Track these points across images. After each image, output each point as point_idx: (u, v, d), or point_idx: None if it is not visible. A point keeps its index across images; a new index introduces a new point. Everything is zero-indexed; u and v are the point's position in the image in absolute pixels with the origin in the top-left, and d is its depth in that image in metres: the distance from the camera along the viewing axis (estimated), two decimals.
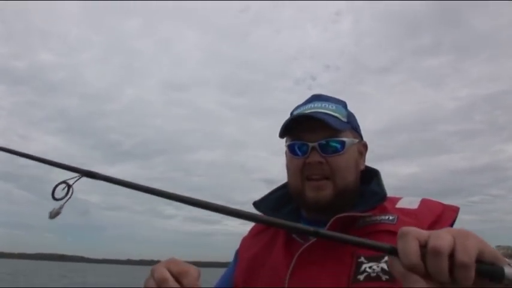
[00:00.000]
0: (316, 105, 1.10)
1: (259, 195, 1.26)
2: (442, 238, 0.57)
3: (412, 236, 0.57)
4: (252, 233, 1.21)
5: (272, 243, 1.11)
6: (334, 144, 1.03)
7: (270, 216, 1.09)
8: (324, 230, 0.69)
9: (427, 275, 0.57)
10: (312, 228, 0.71)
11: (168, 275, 0.75)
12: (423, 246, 0.57)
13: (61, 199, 0.76)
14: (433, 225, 0.76)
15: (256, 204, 1.14)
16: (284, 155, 1.13)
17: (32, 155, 0.89)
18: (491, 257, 0.58)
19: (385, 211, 1.00)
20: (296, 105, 1.17)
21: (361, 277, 0.92)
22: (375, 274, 0.91)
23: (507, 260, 0.60)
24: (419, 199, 1.03)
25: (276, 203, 1.15)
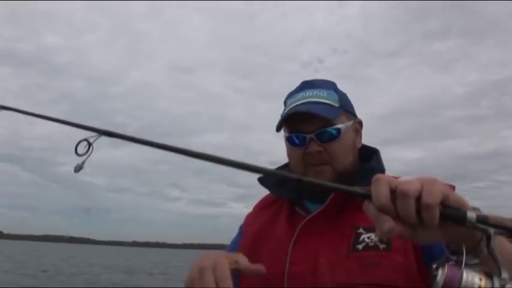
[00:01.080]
0: (308, 93, 1.14)
1: None
2: (410, 183, 0.64)
3: (384, 181, 0.64)
4: (256, 209, 1.27)
5: (275, 217, 1.17)
6: (330, 132, 1.08)
7: (275, 191, 1.19)
8: (306, 178, 0.78)
9: (397, 217, 0.63)
10: (296, 176, 0.81)
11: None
12: (394, 191, 0.64)
13: (83, 155, 0.85)
14: None
15: (261, 179, 1.20)
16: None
17: (51, 117, 0.97)
18: (455, 202, 0.64)
19: None
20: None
21: (360, 246, 0.98)
22: (372, 243, 0.97)
23: (473, 207, 0.66)
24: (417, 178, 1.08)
25: (280, 179, 1.20)
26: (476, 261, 0.67)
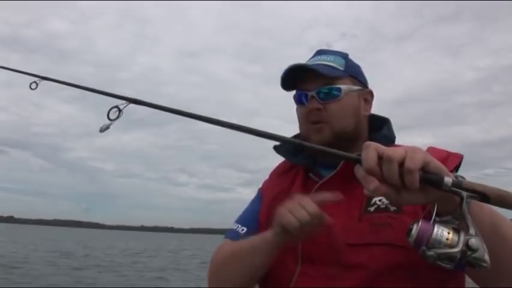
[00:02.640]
0: (317, 58, 1.20)
1: (271, 164, 1.35)
2: (395, 150, 0.73)
3: (372, 147, 0.74)
4: (273, 176, 1.33)
5: (291, 182, 1.22)
6: (330, 90, 1.12)
7: (290, 158, 1.25)
8: (307, 143, 0.92)
9: (383, 179, 0.73)
10: (297, 141, 0.95)
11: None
12: (381, 157, 0.74)
13: (114, 120, 0.95)
14: None
15: (276, 148, 1.25)
16: (296, 119, 1.24)
17: (85, 86, 1.07)
18: (435, 169, 0.74)
19: None
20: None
21: (372, 209, 1.03)
22: (384, 206, 1.01)
23: (457, 175, 0.78)
24: (427, 147, 1.11)
25: (294, 148, 1.24)
26: (448, 217, 0.78)
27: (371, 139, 1.16)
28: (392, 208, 1.01)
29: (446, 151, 1.11)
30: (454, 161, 1.07)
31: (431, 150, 1.10)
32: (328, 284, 1.01)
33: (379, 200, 1.03)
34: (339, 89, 1.13)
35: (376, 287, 0.97)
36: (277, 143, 1.23)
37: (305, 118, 1.16)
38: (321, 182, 1.13)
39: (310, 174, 1.20)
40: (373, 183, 0.73)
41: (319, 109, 1.13)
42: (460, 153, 1.09)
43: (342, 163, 1.08)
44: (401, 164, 0.72)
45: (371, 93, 1.23)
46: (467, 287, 1.06)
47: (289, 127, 1.31)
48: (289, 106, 1.27)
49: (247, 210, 1.29)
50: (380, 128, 1.21)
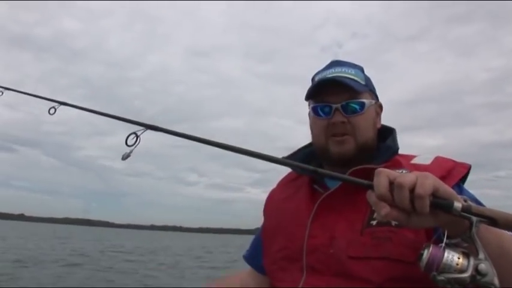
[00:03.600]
0: (336, 70, 1.21)
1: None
2: (406, 176, 0.76)
3: (384, 174, 0.77)
4: (280, 185, 1.37)
5: (297, 193, 1.25)
6: (355, 105, 1.15)
7: (297, 169, 1.28)
8: (321, 169, 0.94)
9: (394, 205, 0.76)
10: (311, 167, 0.96)
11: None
12: (392, 183, 0.77)
13: (132, 146, 0.99)
14: (442, 180, 0.83)
15: (286, 158, 1.26)
16: (307, 119, 1.26)
17: (97, 111, 1.11)
18: (445, 194, 0.77)
19: (399, 166, 1.11)
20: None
21: (374, 222, 1.05)
22: (385, 220, 1.00)
23: (464, 199, 0.79)
24: (434, 156, 1.14)
25: (303, 158, 1.27)
26: (457, 240, 0.80)
27: (378, 149, 1.20)
28: (394, 223, 1.02)
29: (453, 161, 1.12)
30: (460, 171, 1.09)
31: (439, 160, 1.12)
32: None
33: None
34: (363, 104, 1.16)
35: None
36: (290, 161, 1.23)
37: (325, 130, 1.17)
38: (325, 194, 1.14)
39: (316, 186, 1.21)
40: (384, 209, 0.76)
41: (343, 122, 1.14)
42: (468, 163, 1.11)
43: (347, 174, 1.08)
44: (412, 189, 0.75)
45: (381, 106, 1.27)
46: None
47: (301, 128, 1.33)
48: (299, 106, 1.28)
49: (253, 245, 1.38)
50: (385, 138, 1.24)
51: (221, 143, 0.96)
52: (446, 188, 0.78)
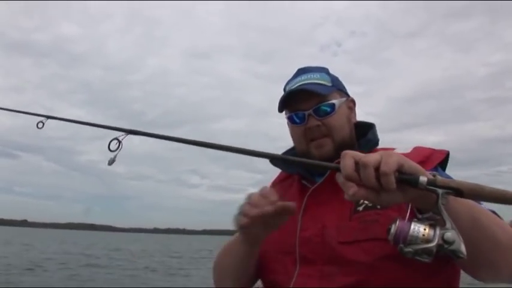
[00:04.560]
0: (303, 78, 1.28)
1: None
2: (370, 156, 0.80)
3: (349, 155, 0.81)
4: (274, 182, 1.44)
5: (287, 191, 1.31)
6: (325, 107, 1.22)
7: (285, 169, 1.37)
8: (291, 157, 1.06)
9: (361, 184, 0.80)
10: (277, 155, 1.06)
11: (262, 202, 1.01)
12: (358, 163, 0.80)
13: (115, 151, 1.05)
14: (420, 165, 0.86)
15: (272, 161, 1.33)
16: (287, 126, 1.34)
17: (82, 121, 1.17)
18: (409, 170, 0.80)
19: None
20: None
21: (361, 208, 1.11)
22: (371, 204, 1.09)
23: (431, 173, 0.82)
24: (413, 146, 1.21)
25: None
26: (429, 214, 0.84)
27: (358, 144, 1.27)
28: (379, 205, 1.07)
29: (431, 149, 1.17)
30: (438, 157, 1.14)
31: (418, 149, 1.18)
32: (326, 280, 1.09)
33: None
34: (333, 104, 1.23)
35: (370, 279, 1.04)
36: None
37: (303, 136, 1.24)
38: (312, 187, 1.22)
39: (304, 182, 1.28)
40: (352, 189, 0.80)
41: (318, 125, 1.21)
42: (446, 149, 1.15)
43: (329, 171, 1.15)
44: (377, 168, 0.78)
45: (353, 101, 1.33)
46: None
47: None
48: None
49: None
50: (366, 134, 1.30)
51: (205, 142, 0.99)
52: (411, 164, 0.81)
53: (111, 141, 1.04)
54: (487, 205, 0.97)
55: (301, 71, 1.32)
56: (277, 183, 1.40)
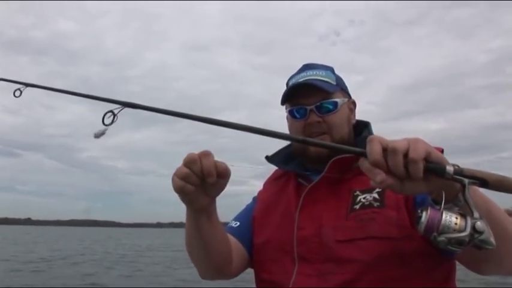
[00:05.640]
0: (308, 73, 1.27)
1: None
2: (398, 141, 0.76)
3: (377, 140, 0.76)
4: (266, 184, 1.42)
5: (283, 189, 1.30)
6: (328, 105, 1.21)
7: (281, 167, 1.34)
8: (310, 139, 1.00)
9: (388, 171, 0.75)
10: (300, 138, 1.00)
11: (196, 157, 0.90)
12: (385, 149, 0.75)
13: (109, 125, 0.96)
14: None
15: (268, 157, 1.34)
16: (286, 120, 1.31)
17: (74, 92, 1.07)
18: (436, 159, 0.77)
19: None
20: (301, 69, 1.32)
21: (357, 206, 1.11)
22: (368, 203, 1.10)
23: (453, 164, 0.78)
24: None
25: (285, 157, 1.34)
26: (449, 205, 0.79)
27: (355, 142, 1.24)
28: (376, 204, 1.08)
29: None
30: None
31: None
32: (324, 279, 1.08)
33: (364, 198, 1.11)
34: (336, 103, 1.22)
35: (368, 277, 1.03)
36: (273, 147, 1.32)
37: (302, 132, 1.22)
38: (310, 185, 1.20)
39: (301, 180, 1.27)
40: (380, 175, 0.75)
41: (318, 122, 1.20)
42: (441, 146, 1.10)
43: (327, 167, 1.15)
44: (405, 155, 0.74)
45: (354, 103, 1.33)
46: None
47: None
48: None
49: (243, 209, 1.39)
50: (362, 132, 1.29)
51: (203, 117, 0.92)
52: (437, 153, 0.78)
53: (105, 114, 0.96)
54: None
55: (307, 67, 1.31)
56: (273, 180, 1.39)
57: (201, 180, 0.90)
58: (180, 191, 0.91)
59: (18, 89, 1.26)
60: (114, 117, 0.95)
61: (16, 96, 1.25)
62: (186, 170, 0.89)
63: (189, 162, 0.89)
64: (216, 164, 0.90)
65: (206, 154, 0.90)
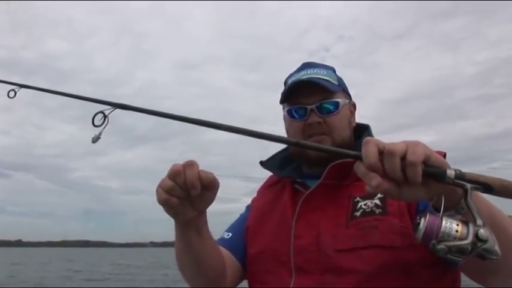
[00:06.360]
0: (309, 71, 1.21)
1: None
2: (396, 144, 0.71)
3: (373, 143, 0.72)
4: (260, 191, 1.36)
5: (279, 195, 1.24)
6: (329, 105, 1.15)
7: (276, 172, 1.28)
8: (303, 142, 0.92)
9: (384, 175, 0.71)
10: (294, 140, 0.93)
11: (181, 169, 0.85)
12: (382, 152, 0.71)
13: (99, 126, 0.93)
14: None
15: (263, 162, 1.28)
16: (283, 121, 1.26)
17: (66, 93, 1.05)
18: (436, 162, 0.72)
19: None
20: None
21: (358, 214, 1.05)
22: (369, 210, 1.03)
23: (454, 168, 0.73)
24: None
25: (280, 162, 1.28)
26: (451, 212, 0.75)
27: (354, 145, 1.18)
28: (378, 211, 1.02)
29: None
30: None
31: None
32: None
33: (365, 204, 1.05)
34: (338, 103, 1.16)
35: None
36: (267, 155, 1.26)
37: (301, 132, 1.16)
38: (307, 192, 1.14)
39: (297, 186, 1.21)
40: (375, 180, 0.70)
41: (319, 122, 1.14)
42: (444, 150, 1.07)
43: (326, 171, 1.09)
44: (403, 157, 0.70)
45: (354, 106, 1.27)
46: (463, 285, 1.07)
47: None
48: None
49: (236, 218, 1.33)
50: (361, 135, 1.23)
51: (193, 119, 0.90)
52: (437, 156, 0.73)
53: (95, 114, 0.92)
54: None
55: (307, 65, 1.25)
56: (267, 187, 1.33)
57: (186, 192, 0.86)
58: (164, 203, 0.87)
59: (13, 90, 1.23)
60: (105, 119, 0.92)
61: (10, 97, 1.22)
62: (170, 183, 0.85)
63: (173, 174, 0.85)
64: (202, 175, 0.85)
65: (190, 164, 0.85)
